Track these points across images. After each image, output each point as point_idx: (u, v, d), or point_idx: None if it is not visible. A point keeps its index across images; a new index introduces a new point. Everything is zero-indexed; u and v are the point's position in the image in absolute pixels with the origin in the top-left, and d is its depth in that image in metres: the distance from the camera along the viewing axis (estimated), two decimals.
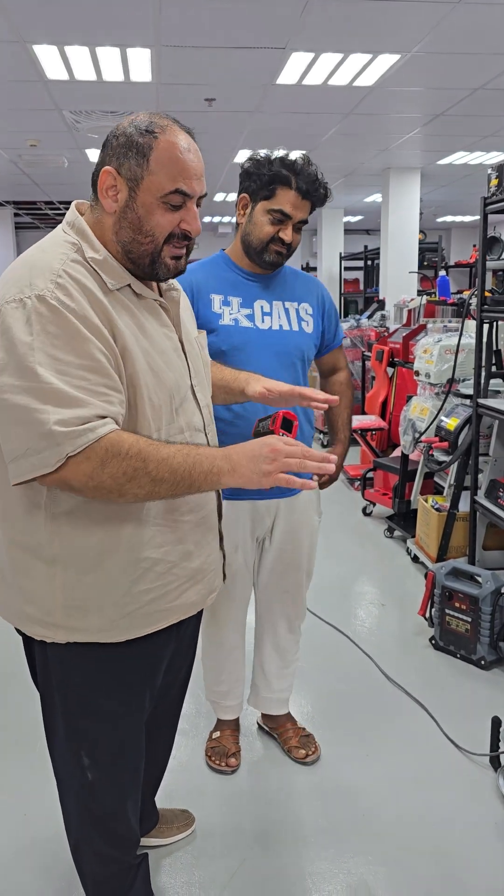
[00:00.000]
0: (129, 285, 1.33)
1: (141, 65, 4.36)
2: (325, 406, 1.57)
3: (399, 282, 8.12)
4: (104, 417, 1.20)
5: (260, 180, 1.93)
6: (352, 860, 1.96)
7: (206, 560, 1.49)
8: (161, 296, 1.43)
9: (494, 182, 3.45)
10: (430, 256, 9.05)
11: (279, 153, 1.94)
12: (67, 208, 1.37)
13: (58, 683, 1.43)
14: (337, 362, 2.31)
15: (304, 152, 1.96)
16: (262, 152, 1.97)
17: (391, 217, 8.20)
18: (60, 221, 1.37)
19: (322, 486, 2.24)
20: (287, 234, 1.96)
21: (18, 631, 1.46)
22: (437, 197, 10.11)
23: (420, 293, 7.59)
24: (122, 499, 1.24)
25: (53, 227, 1.36)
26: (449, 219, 12.94)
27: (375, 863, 1.95)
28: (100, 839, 1.60)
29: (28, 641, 1.46)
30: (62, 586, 1.33)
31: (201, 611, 1.64)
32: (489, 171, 3.48)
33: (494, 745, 2.33)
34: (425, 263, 8.85)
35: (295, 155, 1.93)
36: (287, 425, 1.39)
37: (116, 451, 1.18)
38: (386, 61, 4.45)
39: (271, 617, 2.30)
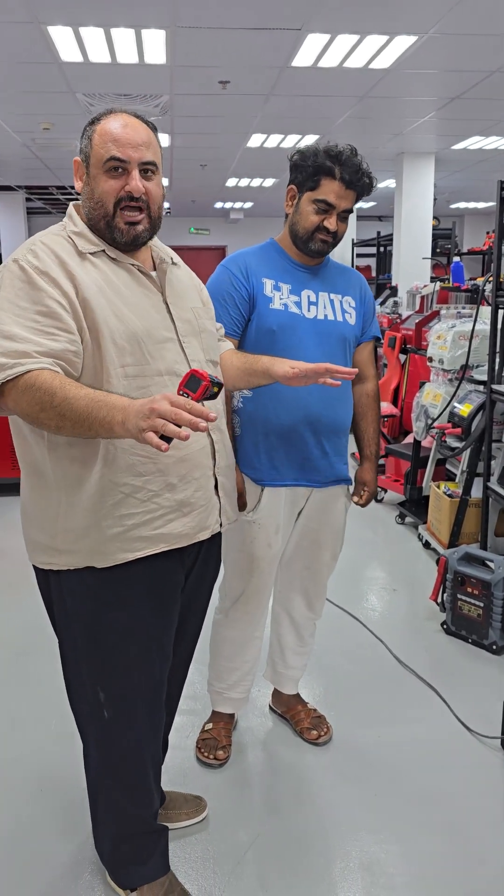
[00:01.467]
0: (103, 251, 1.53)
1: (156, 46, 4.34)
2: (350, 376, 1.63)
3: (412, 268, 8.07)
4: (46, 355, 1.37)
5: (305, 172, 1.97)
6: (365, 838, 1.98)
7: (192, 494, 1.58)
8: (155, 267, 1.63)
9: None
10: (442, 243, 8.98)
11: (324, 146, 1.96)
12: (80, 194, 1.59)
13: (71, 614, 1.56)
14: (365, 369, 2.25)
15: (350, 144, 1.98)
16: (310, 145, 1.99)
17: (405, 203, 8.15)
18: None
19: (363, 505, 2.28)
20: (332, 224, 1.98)
21: (36, 572, 1.61)
22: (450, 183, 10.04)
23: (433, 280, 7.55)
24: (42, 427, 1.38)
25: (65, 213, 1.61)
26: (462, 205, 12.85)
27: (388, 841, 1.97)
28: (119, 789, 1.66)
29: (45, 578, 1.59)
30: (64, 510, 1.50)
31: (216, 551, 1.78)
32: None
33: None
34: (438, 250, 8.79)
35: (341, 147, 1.96)
36: (192, 385, 1.33)
37: (31, 384, 1.33)
38: (403, 43, 4.41)
39: (291, 592, 2.31)
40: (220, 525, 1.69)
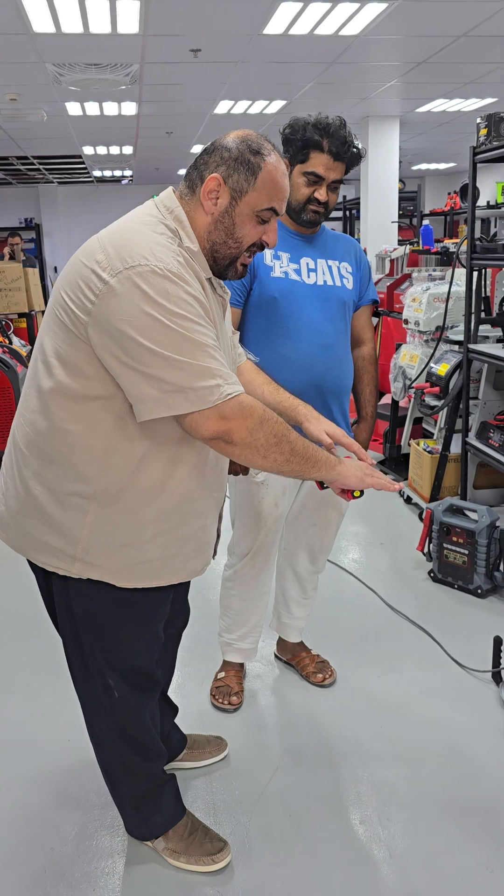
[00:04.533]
0: (209, 278, 1.49)
1: (129, 16, 4.34)
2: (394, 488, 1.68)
3: (379, 232, 8.18)
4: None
5: (295, 145, 2.06)
6: (375, 765, 2.16)
7: (211, 534, 1.66)
8: None
9: (483, 132, 3.54)
10: (404, 205, 9.10)
11: (314, 118, 2.04)
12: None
13: (78, 615, 1.58)
14: (362, 333, 2.39)
15: (339, 116, 2.06)
16: (300, 118, 2.07)
17: (371, 166, 8.22)
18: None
19: None
20: (322, 194, 2.08)
21: (34, 568, 1.60)
22: (413, 145, 10.12)
23: (400, 242, 7.67)
24: (264, 461, 1.43)
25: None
26: (424, 167, 12.93)
27: (396, 766, 2.16)
28: (132, 754, 1.76)
29: (46, 577, 1.59)
30: (92, 522, 1.46)
31: None
32: (478, 120, 3.57)
33: (496, 662, 2.53)
34: (400, 212, 8.90)
35: (330, 119, 2.04)
36: None
37: (270, 416, 1.41)
38: (373, 10, 4.47)
39: (296, 548, 2.46)
40: (214, 555, 1.73)
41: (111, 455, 1.43)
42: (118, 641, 1.62)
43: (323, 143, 2.03)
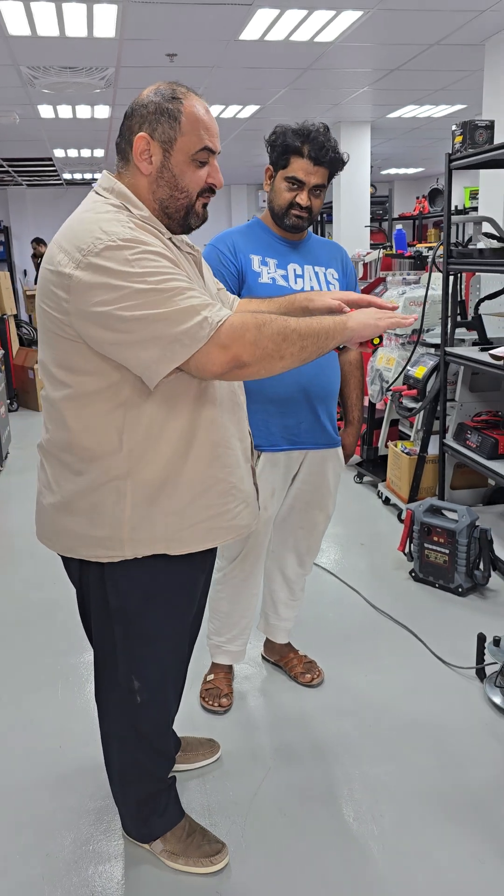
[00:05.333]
0: (170, 238, 1.50)
1: (106, 20, 4.34)
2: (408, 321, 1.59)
3: (352, 236, 8.25)
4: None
5: (277, 151, 2.10)
6: (365, 763, 2.20)
7: (250, 486, 1.67)
8: None
9: (458, 139, 3.61)
10: (374, 209, 9.20)
11: (297, 125, 2.08)
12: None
13: (115, 607, 1.58)
14: None
15: (323, 123, 2.10)
16: (283, 125, 2.11)
17: (343, 171, 8.27)
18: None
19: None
20: (303, 199, 2.12)
21: (67, 566, 1.63)
22: (383, 150, 10.22)
23: (373, 246, 7.75)
24: (283, 361, 1.41)
25: None
26: (392, 171, 13.06)
27: (386, 762, 2.19)
28: (145, 757, 1.77)
29: (82, 573, 1.60)
30: (132, 500, 1.48)
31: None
32: (453, 127, 3.64)
33: (480, 659, 2.58)
34: (370, 216, 9.00)
35: (312, 125, 2.08)
36: None
37: (264, 319, 1.39)
38: (349, 17, 4.52)
39: (284, 550, 2.48)
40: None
41: (132, 436, 1.46)
42: (153, 636, 1.63)
43: (303, 148, 2.07)
